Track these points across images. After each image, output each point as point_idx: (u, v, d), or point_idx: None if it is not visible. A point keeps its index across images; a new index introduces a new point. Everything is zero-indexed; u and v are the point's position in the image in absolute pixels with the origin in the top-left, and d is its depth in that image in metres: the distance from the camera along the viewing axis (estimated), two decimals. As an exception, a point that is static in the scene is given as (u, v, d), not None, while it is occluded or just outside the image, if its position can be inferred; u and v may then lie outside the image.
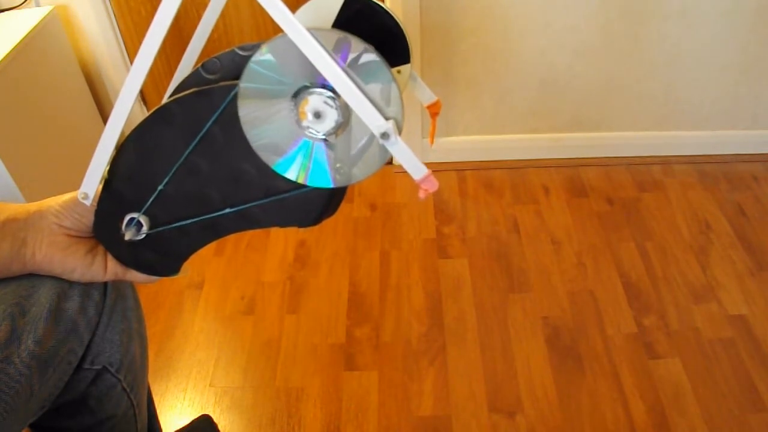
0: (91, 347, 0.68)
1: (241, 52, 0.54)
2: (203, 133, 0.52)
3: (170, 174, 0.55)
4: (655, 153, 1.73)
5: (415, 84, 0.64)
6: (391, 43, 0.60)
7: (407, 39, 0.60)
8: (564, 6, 1.46)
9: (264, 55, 0.47)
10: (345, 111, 0.48)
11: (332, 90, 0.47)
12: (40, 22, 1.34)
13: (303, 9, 0.58)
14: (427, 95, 0.66)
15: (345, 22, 0.57)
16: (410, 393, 1.18)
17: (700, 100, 1.64)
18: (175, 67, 0.60)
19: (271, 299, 1.37)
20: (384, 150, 0.49)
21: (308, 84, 0.48)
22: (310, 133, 0.49)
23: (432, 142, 0.73)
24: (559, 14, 1.47)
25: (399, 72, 0.62)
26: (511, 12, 1.47)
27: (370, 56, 0.46)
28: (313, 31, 0.45)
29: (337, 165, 0.51)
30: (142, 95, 1.67)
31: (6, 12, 1.38)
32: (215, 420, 1.09)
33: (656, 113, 1.66)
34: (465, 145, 1.71)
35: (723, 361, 1.21)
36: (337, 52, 0.46)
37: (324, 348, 1.27)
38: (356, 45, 0.46)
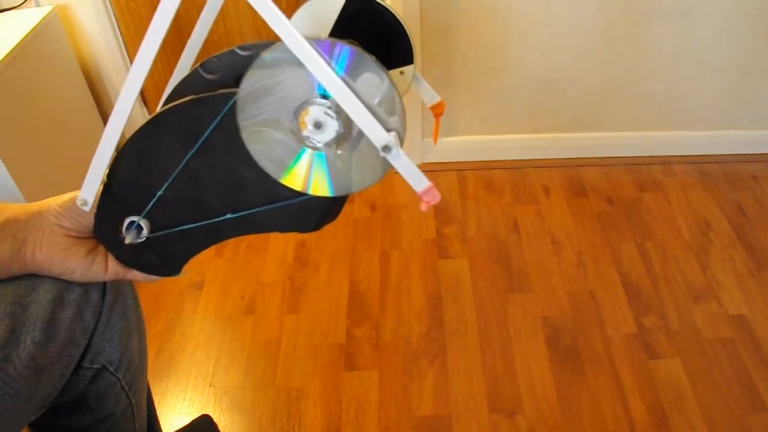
0: (91, 346, 0.68)
1: (240, 52, 0.53)
2: (202, 141, 0.52)
3: (169, 180, 0.54)
4: (655, 153, 1.73)
5: (419, 85, 0.63)
6: (393, 43, 0.59)
7: (411, 39, 0.59)
8: (564, 6, 1.46)
9: (263, 64, 0.46)
10: (346, 121, 0.47)
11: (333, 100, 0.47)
12: (40, 22, 1.34)
13: (303, 9, 0.57)
14: (430, 96, 0.65)
15: (346, 21, 0.56)
16: (410, 393, 1.18)
17: (700, 100, 1.64)
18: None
19: (271, 299, 1.37)
20: (385, 160, 0.48)
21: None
22: (311, 142, 0.49)
23: (435, 142, 0.72)
24: (559, 14, 1.47)
25: (402, 73, 0.61)
26: (511, 12, 1.47)
27: (372, 66, 0.45)
28: (313, 40, 0.44)
29: (339, 174, 0.50)
30: (143, 98, 1.67)
31: (6, 12, 1.38)
32: (215, 420, 1.09)
33: (656, 113, 1.66)
34: (465, 145, 1.71)
35: (723, 361, 1.21)
36: (337, 62, 0.45)
37: (324, 348, 1.27)
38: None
